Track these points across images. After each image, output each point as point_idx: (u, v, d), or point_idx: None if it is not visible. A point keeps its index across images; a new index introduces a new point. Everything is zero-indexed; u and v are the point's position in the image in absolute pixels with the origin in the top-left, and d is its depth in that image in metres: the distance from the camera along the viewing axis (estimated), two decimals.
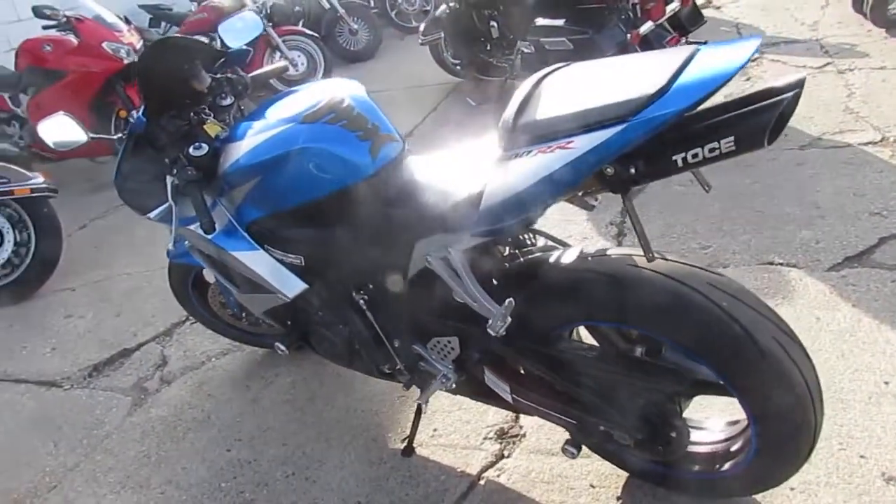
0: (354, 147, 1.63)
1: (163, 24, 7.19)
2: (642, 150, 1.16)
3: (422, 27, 5.47)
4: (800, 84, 1.03)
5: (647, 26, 3.88)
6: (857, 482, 1.69)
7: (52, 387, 2.87)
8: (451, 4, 5.08)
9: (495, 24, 4.86)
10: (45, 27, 4.88)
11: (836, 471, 1.73)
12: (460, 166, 1.48)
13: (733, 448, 1.59)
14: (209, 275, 2.24)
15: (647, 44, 3.97)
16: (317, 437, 2.24)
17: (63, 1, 5.45)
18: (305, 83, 2.08)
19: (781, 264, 2.63)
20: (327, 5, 7.01)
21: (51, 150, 4.95)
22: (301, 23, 6.90)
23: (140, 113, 1.87)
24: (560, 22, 4.31)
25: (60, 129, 1.89)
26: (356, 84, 1.80)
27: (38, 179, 3.55)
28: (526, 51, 4.64)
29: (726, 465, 1.58)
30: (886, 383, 1.96)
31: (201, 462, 2.25)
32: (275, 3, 6.38)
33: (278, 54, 5.94)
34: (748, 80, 4.56)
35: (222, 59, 2.04)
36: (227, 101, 2.00)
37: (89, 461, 2.38)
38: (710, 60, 1.09)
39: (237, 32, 2.22)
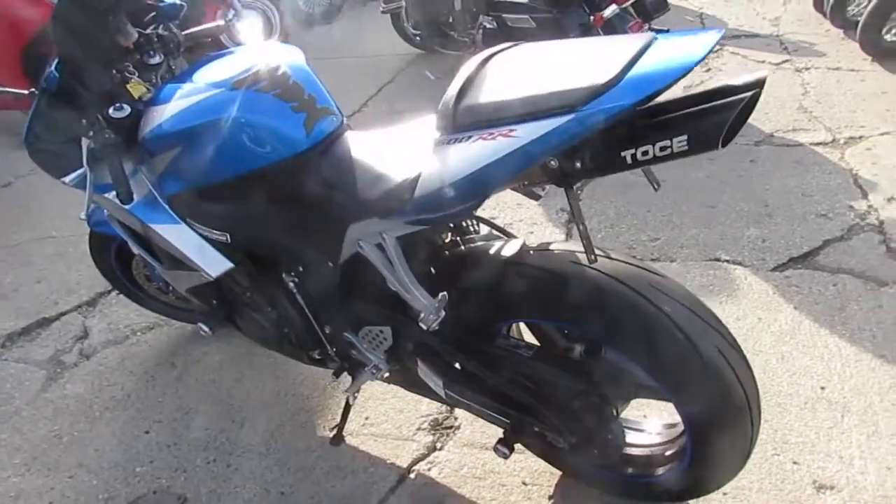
0: (287, 119, 1.50)
1: None
2: (589, 144, 1.08)
3: None
4: (759, 84, 0.95)
5: (611, 9, 3.81)
6: (789, 489, 1.68)
7: None
8: None
9: None
10: None
11: (768, 476, 1.71)
12: (397, 147, 1.38)
13: (668, 453, 1.55)
14: (131, 245, 2.09)
15: (611, 27, 3.90)
16: (241, 421, 2.13)
17: None
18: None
19: (727, 261, 2.61)
20: None
21: None
22: None
23: (53, 67, 1.70)
24: None
25: None
26: (295, 50, 1.67)
27: None
28: (488, 26, 4.54)
29: (660, 470, 1.54)
30: (823, 388, 1.95)
31: (117, 444, 2.12)
32: None
33: (231, 13, 5.66)
34: (708, 70, 4.55)
35: (153, 13, 1.87)
36: (156, 60, 1.84)
37: None
38: (667, 51, 1.00)
39: None
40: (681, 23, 5.34)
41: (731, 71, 4.52)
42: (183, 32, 1.93)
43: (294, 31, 6.30)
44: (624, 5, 3.84)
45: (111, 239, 2.22)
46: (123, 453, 2.08)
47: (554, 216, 3.06)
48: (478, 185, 1.14)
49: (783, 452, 1.76)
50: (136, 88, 1.74)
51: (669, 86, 0.96)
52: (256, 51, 1.66)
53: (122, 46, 1.76)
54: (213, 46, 2.25)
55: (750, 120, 1.01)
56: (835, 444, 1.77)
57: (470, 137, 1.13)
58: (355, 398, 1.80)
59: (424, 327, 1.37)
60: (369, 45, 6.03)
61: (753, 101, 0.95)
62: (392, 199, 1.27)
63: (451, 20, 4.92)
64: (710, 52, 0.95)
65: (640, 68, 0.99)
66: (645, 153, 1.04)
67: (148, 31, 1.83)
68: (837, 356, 2.05)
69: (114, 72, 1.72)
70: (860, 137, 3.47)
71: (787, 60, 4.61)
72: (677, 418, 1.55)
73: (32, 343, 2.69)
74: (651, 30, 3.97)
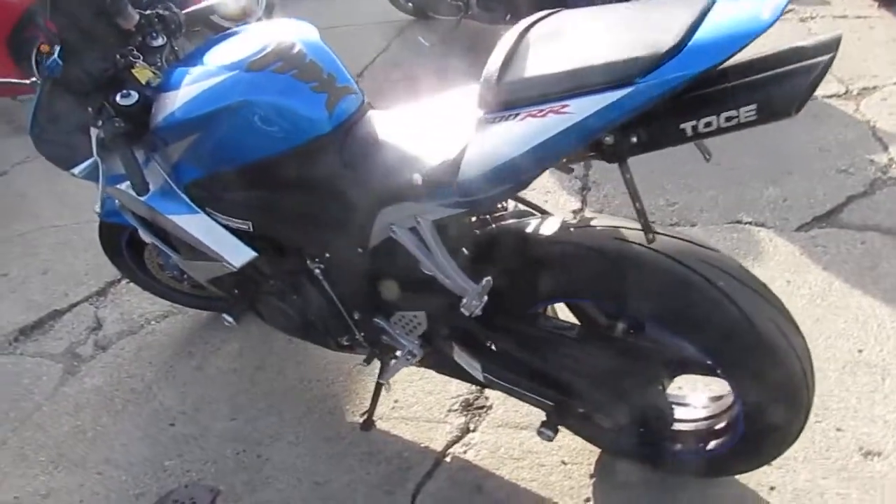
0: (307, 100, 1.42)
1: None
2: (646, 116, 1.01)
3: None
4: (835, 44, 0.89)
5: None
6: (835, 457, 1.65)
7: None
8: None
9: None
10: None
11: (812, 445, 1.68)
12: (431, 126, 1.31)
13: (718, 426, 1.51)
14: (145, 234, 2.02)
15: None
16: (268, 410, 2.09)
17: None
18: (245, 22, 1.86)
19: (750, 223, 2.56)
20: None
21: None
22: None
23: (56, 55, 1.62)
24: None
25: None
26: (308, 26, 1.59)
27: None
28: None
29: (712, 444, 1.50)
30: (860, 351, 1.92)
31: (142, 438, 2.08)
32: None
33: None
34: None
35: None
36: (159, 42, 1.76)
37: (17, 437, 2.18)
38: (732, 13, 0.93)
39: None
40: None
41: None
42: (183, 12, 1.84)
43: (280, 3, 6.13)
44: None
45: (122, 228, 2.15)
46: (150, 447, 2.04)
47: (567, 183, 2.99)
48: (529, 166, 1.08)
49: (826, 419, 1.73)
50: (142, 73, 1.66)
51: (738, 51, 0.90)
52: (268, 29, 1.58)
53: (124, 29, 1.68)
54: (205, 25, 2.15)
55: None
56: (878, 408, 1.74)
57: (517, 115, 1.07)
58: (390, 385, 1.76)
59: (467, 313, 1.32)
60: (360, 14, 5.87)
61: (829, 64, 0.89)
62: (431, 182, 1.21)
63: None
64: (781, 14, 0.88)
65: (705, 33, 0.92)
66: (708, 125, 0.98)
67: (147, 11, 1.75)
68: (873, 317, 2.01)
69: (117, 56, 1.64)
70: (874, 87, 3.39)
71: (790, 10, 4.48)
72: (724, 390, 1.52)
73: (46, 336, 2.64)
74: None
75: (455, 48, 4.77)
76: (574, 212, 2.83)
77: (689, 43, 0.92)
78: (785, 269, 2.28)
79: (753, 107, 0.94)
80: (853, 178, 2.72)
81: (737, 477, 1.61)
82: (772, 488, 1.60)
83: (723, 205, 2.69)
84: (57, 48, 1.64)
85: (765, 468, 1.59)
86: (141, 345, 2.48)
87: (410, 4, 5.29)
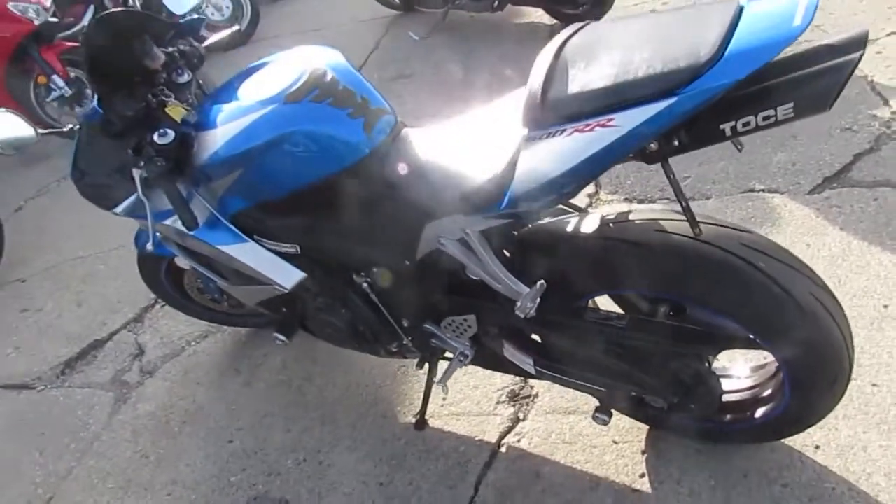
0: (346, 126, 1.49)
1: None
2: (687, 121, 1.08)
3: None
4: (863, 41, 0.95)
5: None
6: (874, 411, 1.73)
7: (23, 389, 2.71)
8: None
9: None
10: None
11: (850, 402, 1.76)
12: (472, 143, 1.37)
13: (764, 394, 1.59)
14: (183, 262, 2.09)
15: None
16: (321, 418, 2.17)
17: None
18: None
19: (763, 190, 2.63)
20: None
21: None
22: None
23: (95, 102, 1.67)
24: None
25: (5, 127, 1.68)
26: (333, 52, 1.64)
27: None
28: None
29: (759, 412, 1.58)
30: (886, 306, 1.99)
31: (204, 457, 2.16)
32: None
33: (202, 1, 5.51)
34: None
35: (172, 32, 1.83)
36: (185, 78, 1.81)
37: (82, 467, 2.27)
38: (763, 19, 1.00)
39: None
40: None
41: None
42: (202, 45, 1.90)
43: (263, 7, 6.14)
44: None
45: (161, 259, 2.22)
46: (214, 465, 2.13)
47: None
48: (580, 178, 1.15)
49: (860, 377, 1.81)
50: (176, 111, 1.71)
51: (774, 57, 0.96)
52: (297, 58, 1.63)
53: (152, 70, 1.73)
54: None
55: None
56: None
57: (564, 131, 1.13)
58: (447, 388, 1.83)
59: (522, 315, 1.39)
60: (345, 13, 5.89)
61: (859, 60, 0.95)
62: (480, 197, 1.28)
63: None
64: (813, 18, 0.95)
65: (740, 41, 0.99)
66: (746, 124, 1.05)
67: (170, 49, 1.80)
68: (894, 272, 2.09)
69: (150, 97, 1.69)
70: (869, 41, 3.44)
71: None
72: (765, 359, 1.60)
73: (90, 367, 2.72)
74: None
75: (446, 39, 4.81)
76: (589, 195, 2.89)
77: (727, 52, 0.99)
78: (803, 232, 2.36)
79: (791, 104, 1.00)
80: (858, 135, 2.78)
81: (782, 441, 1.69)
82: (817, 447, 1.68)
83: (734, 174, 2.76)
84: (95, 96, 1.68)
85: (808, 430, 1.67)
86: (186, 366, 2.56)
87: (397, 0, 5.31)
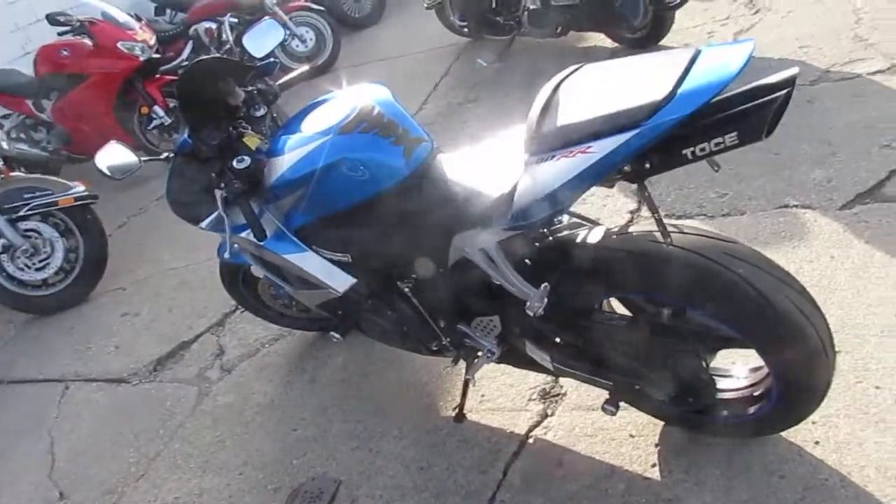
0: (389, 152, 1.77)
1: (168, 11, 7.22)
2: (655, 147, 1.29)
3: None
4: (792, 81, 1.15)
5: None
6: (874, 411, 1.85)
7: (121, 383, 3.11)
8: None
9: None
10: (60, 33, 4.99)
11: (853, 402, 1.89)
12: (488, 167, 1.62)
13: (757, 393, 1.75)
14: (257, 270, 2.41)
15: None
16: (374, 411, 2.44)
17: (70, 2, 5.56)
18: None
19: (796, 206, 2.74)
20: None
21: (79, 151, 5.16)
22: None
23: (186, 135, 2.01)
24: None
25: (114, 156, 2.04)
26: (382, 89, 1.92)
27: (80, 188, 3.73)
28: (532, 7, 4.69)
29: (752, 409, 1.74)
30: None
31: (272, 442, 2.47)
32: None
33: (285, 32, 5.97)
34: (756, 12, 4.57)
35: (251, 73, 2.16)
36: (261, 112, 2.14)
37: (168, 450, 2.62)
38: (710, 64, 1.21)
39: (260, 42, 2.33)
40: None
41: (780, 7, 4.51)
42: (277, 83, 2.22)
43: (344, 37, 6.58)
44: None
45: (239, 267, 2.56)
46: (280, 449, 2.43)
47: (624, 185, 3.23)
48: (565, 194, 1.38)
49: (865, 380, 1.93)
50: (252, 140, 2.04)
51: (716, 96, 1.17)
52: (350, 95, 1.93)
53: (233, 106, 2.06)
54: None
55: (804, 58, 1.19)
56: None
57: (554, 156, 1.37)
58: (475, 380, 2.07)
59: (531, 313, 1.62)
60: (419, 42, 6.25)
61: (788, 97, 1.15)
62: (492, 212, 1.53)
63: (494, 6, 5.08)
64: (747, 64, 1.15)
65: (690, 83, 1.20)
66: (703, 149, 1.26)
67: (249, 88, 2.13)
68: None
69: (230, 129, 2.02)
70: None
71: None
72: (761, 362, 1.75)
73: (178, 364, 3.10)
74: None
75: (512, 65, 5.07)
76: (631, 212, 3.07)
77: (679, 92, 1.20)
78: (829, 245, 2.46)
79: (735, 133, 1.21)
80: None
81: (784, 435, 1.83)
82: (816, 443, 1.81)
83: (770, 191, 2.87)
84: (186, 130, 2.03)
85: (808, 426, 1.82)
86: (260, 365, 2.89)
87: (465, 29, 5.60)
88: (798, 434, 1.83)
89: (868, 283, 2.24)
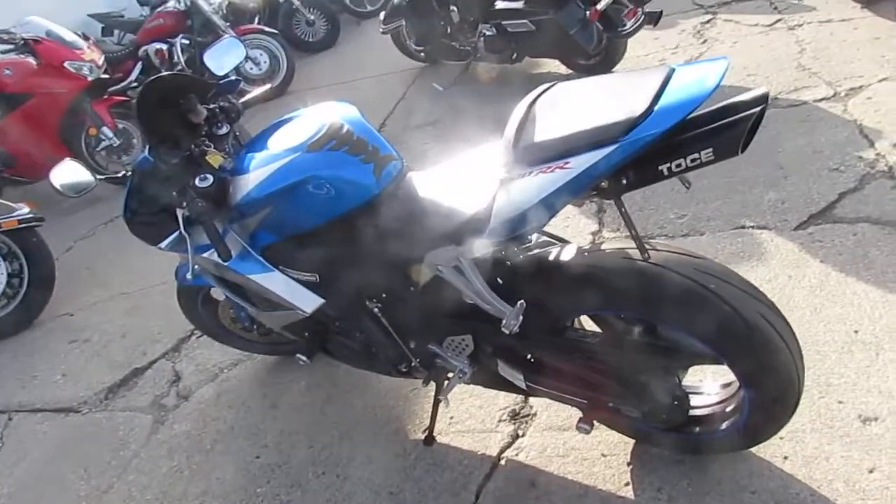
0: (359, 170, 1.74)
1: (116, 32, 7.09)
2: (631, 163, 1.30)
3: (382, 16, 5.52)
4: (764, 98, 1.17)
5: (604, 2, 4.01)
6: (838, 425, 1.89)
7: (70, 413, 2.97)
8: None
9: (455, 9, 4.93)
10: (2, 52, 4.85)
11: (818, 417, 1.92)
12: (463, 184, 1.61)
13: (728, 409, 1.76)
14: (218, 293, 2.34)
15: (607, 19, 4.11)
16: (340, 436, 2.38)
17: (13, 19, 5.39)
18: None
19: (753, 227, 2.81)
20: None
21: (22, 173, 4.98)
22: (257, 19, 6.87)
23: (146, 152, 1.95)
24: (519, 4, 4.43)
25: (69, 174, 1.96)
26: (350, 107, 1.90)
27: (24, 210, 3.59)
28: (488, 33, 4.75)
29: (724, 424, 1.76)
30: (856, 332, 2.15)
31: (234, 471, 2.38)
32: (231, 2, 6.36)
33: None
34: (704, 42, 4.72)
35: (213, 90, 2.11)
36: (224, 130, 2.08)
37: (122, 482, 2.50)
38: (685, 81, 1.23)
39: (221, 59, 2.29)
40: (670, 2, 5.49)
41: (726, 38, 4.68)
42: (240, 101, 2.18)
43: (298, 61, 6.55)
44: None
45: (198, 289, 2.48)
46: (242, 478, 2.34)
47: (585, 207, 3.27)
48: (543, 210, 1.38)
49: (828, 394, 1.97)
50: (215, 158, 1.98)
51: (692, 112, 1.19)
52: (317, 113, 1.90)
53: (195, 123, 2.01)
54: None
55: (752, 86, 1.22)
56: (874, 380, 1.98)
57: (532, 172, 1.37)
58: (447, 401, 2.04)
59: (507, 332, 1.60)
60: (375, 66, 6.27)
61: (762, 114, 1.17)
62: (468, 229, 1.51)
63: (450, 31, 5.14)
64: (722, 80, 1.17)
65: (666, 100, 1.22)
66: (678, 165, 1.27)
67: (212, 105, 2.08)
68: (866, 300, 2.25)
69: (192, 147, 1.97)
70: (860, 87, 3.63)
71: (779, 20, 4.75)
72: (731, 378, 1.78)
73: (132, 392, 2.98)
74: (644, 14, 4.17)
75: (468, 89, 5.12)
76: (592, 233, 3.10)
77: (656, 108, 1.22)
78: (786, 265, 2.53)
79: (710, 149, 1.23)
80: (844, 175, 2.96)
81: (753, 450, 1.85)
82: (785, 458, 1.84)
83: (727, 213, 2.95)
84: (146, 147, 1.96)
85: (777, 441, 1.84)
86: (219, 391, 2.80)
87: (422, 53, 5.65)
88: (767, 449, 1.85)
89: (825, 301, 2.30)
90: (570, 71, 4.82)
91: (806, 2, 4.91)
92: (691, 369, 1.79)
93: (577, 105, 1.39)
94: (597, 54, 4.43)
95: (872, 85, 3.62)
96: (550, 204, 1.36)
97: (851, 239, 2.55)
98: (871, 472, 1.76)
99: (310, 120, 1.87)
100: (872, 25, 4.30)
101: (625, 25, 4.16)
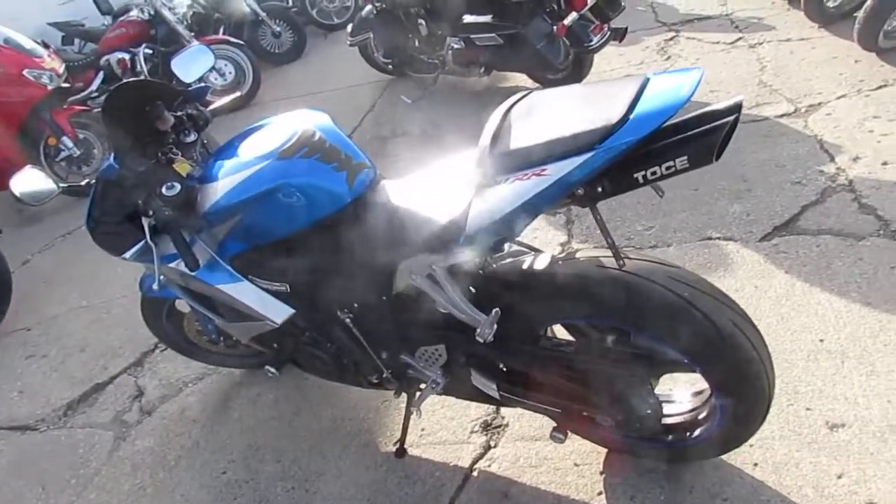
0: (331, 178, 1.72)
1: (76, 41, 6.95)
2: (607, 171, 1.31)
3: (349, 28, 5.50)
4: (738, 108, 1.19)
5: (571, 17, 4.06)
6: (806, 432, 1.92)
7: (27, 430, 2.87)
8: (378, 4, 5.14)
9: (423, 23, 4.94)
10: None
11: (787, 424, 1.95)
12: (437, 192, 1.60)
13: (700, 416, 1.78)
14: (184, 304, 2.29)
15: (573, 34, 4.16)
16: (309, 449, 2.34)
17: None
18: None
19: (719, 238, 2.86)
20: (247, 10, 6.91)
21: None
22: (223, 30, 6.80)
23: (112, 159, 1.90)
24: (487, 18, 4.46)
25: (30, 182, 1.90)
26: (322, 115, 1.88)
27: None
28: (456, 46, 4.77)
29: (696, 432, 1.77)
30: (822, 340, 2.20)
31: (199, 487, 2.32)
32: (195, 12, 6.30)
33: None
34: (668, 59, 4.81)
35: (181, 98, 2.07)
36: (191, 138, 2.04)
37: (83, 500, 2.42)
38: (660, 89, 1.24)
39: (189, 67, 2.24)
40: (635, 16, 5.60)
41: (689, 55, 4.79)
42: (208, 109, 2.14)
43: (264, 72, 6.50)
44: (583, 11, 4.09)
45: (163, 301, 2.42)
46: (207, 494, 2.28)
47: (553, 219, 3.29)
48: (520, 218, 1.37)
49: (796, 402, 2.00)
50: (182, 166, 1.94)
51: (667, 120, 1.20)
52: (289, 121, 1.87)
53: (162, 130, 1.97)
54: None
55: (714, 101, 1.24)
56: (839, 387, 2.02)
57: (508, 179, 1.37)
58: (420, 412, 2.02)
59: (482, 340, 1.59)
60: (342, 78, 6.25)
61: (736, 122, 1.19)
62: (443, 237, 1.50)
63: (417, 44, 5.15)
64: (696, 89, 1.19)
65: (642, 107, 1.23)
66: (654, 173, 1.28)
67: (179, 113, 2.04)
68: (830, 310, 2.30)
69: (159, 154, 1.92)
70: (819, 104, 3.74)
71: (739, 38, 4.88)
72: (703, 386, 1.79)
73: (92, 408, 2.88)
74: (610, 30, 4.24)
75: (436, 101, 5.14)
76: (562, 244, 3.12)
77: (632, 116, 1.23)
78: (752, 276, 2.58)
79: (685, 157, 1.24)
80: (806, 188, 3.03)
81: (724, 458, 1.87)
82: (755, 464, 1.86)
83: (693, 224, 2.99)
84: (111, 154, 1.92)
85: (747, 448, 1.86)
86: (183, 406, 2.73)
87: (389, 66, 5.64)
88: (738, 457, 1.87)
89: (791, 311, 2.35)
90: (538, 85, 4.87)
91: (766, 20, 5.05)
92: (663, 378, 1.80)
93: (554, 113, 1.39)
94: (564, 69, 4.48)
95: (831, 102, 3.73)
96: (527, 211, 1.36)
97: (815, 250, 2.61)
98: (839, 477, 1.78)
99: (281, 127, 1.84)
100: (829, 45, 4.43)
101: (591, 41, 4.22)
